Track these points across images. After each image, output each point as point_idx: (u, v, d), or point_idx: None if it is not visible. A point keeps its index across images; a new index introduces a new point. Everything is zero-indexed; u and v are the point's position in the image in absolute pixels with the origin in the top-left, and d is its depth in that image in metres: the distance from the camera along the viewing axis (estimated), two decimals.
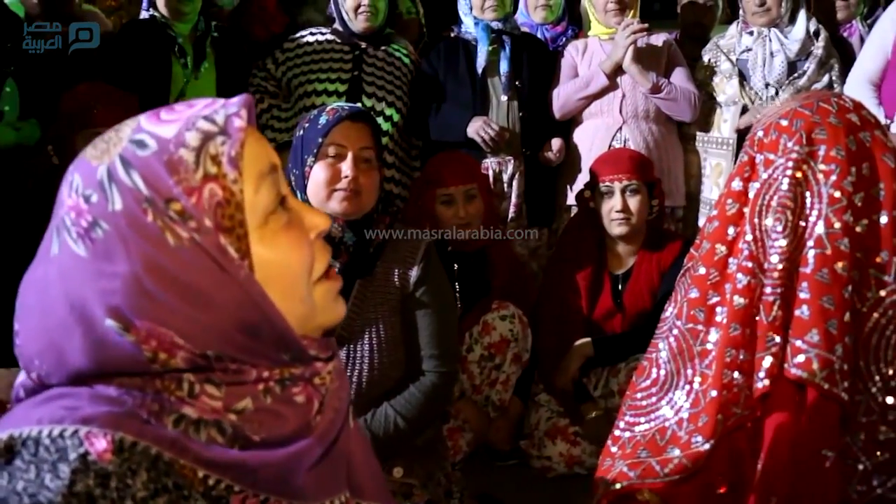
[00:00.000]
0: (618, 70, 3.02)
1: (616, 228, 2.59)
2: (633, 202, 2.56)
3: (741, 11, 3.17)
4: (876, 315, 1.43)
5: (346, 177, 1.78)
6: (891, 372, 1.41)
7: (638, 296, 2.61)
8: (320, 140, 1.79)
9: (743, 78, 3.08)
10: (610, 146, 2.98)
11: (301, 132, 1.85)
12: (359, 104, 2.88)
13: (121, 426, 0.68)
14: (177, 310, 0.70)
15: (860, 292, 1.43)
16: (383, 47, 3.07)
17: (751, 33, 3.10)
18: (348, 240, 1.82)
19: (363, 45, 3.03)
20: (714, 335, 1.47)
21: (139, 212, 0.69)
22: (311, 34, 3.09)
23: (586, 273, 2.66)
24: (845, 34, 3.28)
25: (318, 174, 1.79)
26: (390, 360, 1.87)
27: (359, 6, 2.97)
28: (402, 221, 1.99)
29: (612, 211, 2.58)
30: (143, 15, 3.13)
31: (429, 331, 1.90)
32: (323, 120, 1.81)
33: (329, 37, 3.07)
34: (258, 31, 3.65)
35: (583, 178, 2.86)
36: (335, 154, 1.80)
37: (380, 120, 2.93)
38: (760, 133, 1.50)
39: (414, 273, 1.88)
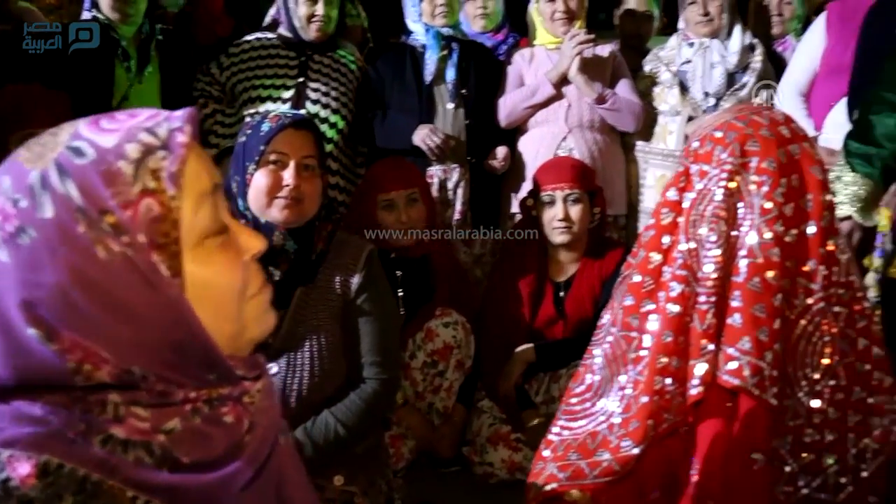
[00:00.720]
0: (564, 80, 3.05)
1: (557, 237, 2.63)
2: (575, 211, 2.60)
3: (682, 23, 3.23)
4: (803, 322, 1.48)
5: (288, 185, 1.78)
6: (817, 376, 1.46)
7: (579, 303, 2.65)
8: (262, 147, 1.77)
9: (683, 88, 3.14)
10: (555, 155, 3.01)
11: (243, 139, 1.84)
12: (303, 111, 2.86)
13: (46, 448, 0.66)
14: (103, 324, 0.68)
15: (789, 300, 1.47)
16: (329, 53, 3.05)
17: (691, 45, 3.16)
18: (290, 248, 1.82)
19: (309, 51, 3.01)
20: (648, 342, 1.49)
21: (70, 222, 0.67)
22: (258, 39, 3.06)
23: (529, 280, 2.69)
24: (780, 49, 3.36)
25: (259, 181, 1.78)
26: (332, 368, 1.86)
27: (312, 16, 2.95)
28: (343, 228, 1.99)
29: (553, 219, 2.61)
30: (85, 15, 3.06)
31: (370, 338, 1.90)
32: (265, 127, 1.80)
33: (275, 42, 3.04)
34: (203, 35, 3.61)
35: (527, 186, 2.89)
36: (277, 161, 1.79)
37: (324, 127, 2.90)
38: (696, 144, 1.54)
39: (356, 280, 1.88)
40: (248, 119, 2.08)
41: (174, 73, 3.03)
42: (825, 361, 1.48)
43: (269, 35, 3.07)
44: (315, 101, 2.96)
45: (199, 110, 3.01)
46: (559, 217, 2.60)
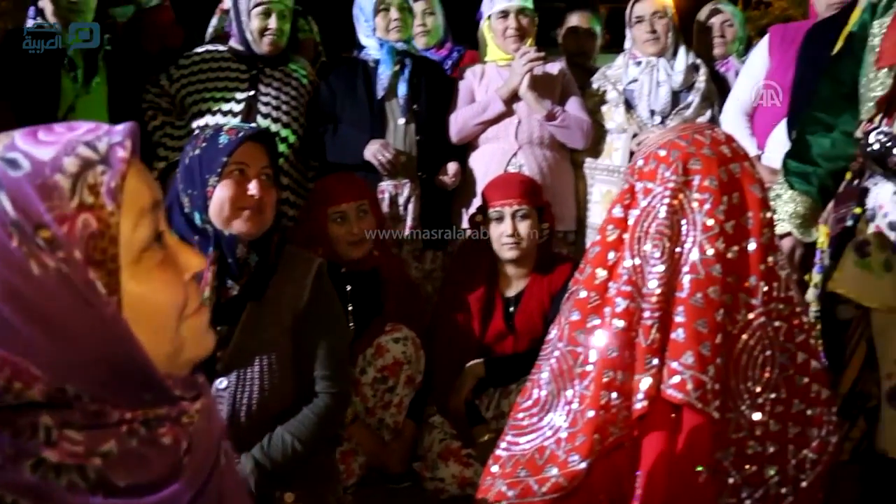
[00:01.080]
0: (514, 96, 3.08)
1: (506, 252, 2.65)
2: (523, 227, 2.63)
3: (629, 42, 3.29)
4: (745, 337, 1.52)
5: (253, 195, 1.79)
6: (758, 389, 1.50)
7: (529, 318, 2.67)
8: (224, 159, 1.77)
9: (630, 107, 3.20)
10: (505, 171, 3.03)
11: (197, 152, 1.82)
12: (253, 125, 2.84)
13: None
14: (36, 341, 0.66)
15: (731, 315, 1.51)
16: (281, 67, 3.04)
17: (638, 63, 3.23)
18: (252, 261, 1.82)
19: (260, 64, 2.99)
20: (594, 357, 1.51)
21: (3, 235, 0.66)
22: (208, 51, 3.03)
23: (479, 296, 2.70)
24: (722, 69, 3.45)
25: (222, 193, 1.78)
26: (281, 383, 1.85)
27: (265, 29, 2.93)
28: (292, 243, 1.99)
29: (502, 235, 2.63)
30: (29, 23, 3.01)
31: (320, 352, 1.91)
32: (224, 140, 1.80)
33: (225, 55, 3.01)
34: (152, 46, 3.57)
35: (477, 202, 2.91)
36: (240, 173, 1.80)
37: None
38: (640, 162, 1.57)
39: (305, 294, 1.88)
40: (196, 132, 2.07)
41: (122, 85, 3.00)
42: (766, 375, 1.52)
43: (220, 47, 3.05)
44: (266, 115, 2.95)
45: (147, 122, 2.97)
46: (508, 233, 2.62)
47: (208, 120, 2.91)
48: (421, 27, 3.49)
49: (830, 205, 2.02)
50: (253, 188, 1.79)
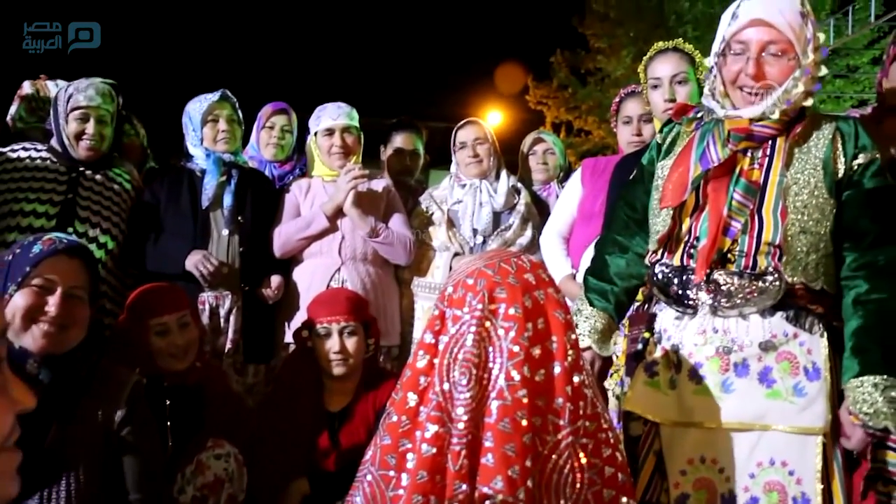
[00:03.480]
0: (339, 212, 3.13)
1: (334, 369, 2.64)
2: (351, 343, 2.64)
3: (455, 166, 3.46)
4: (555, 457, 1.57)
5: (49, 312, 1.72)
6: None
7: (354, 434, 2.64)
8: (28, 269, 1.72)
9: (454, 226, 3.32)
10: (328, 286, 3.05)
11: (10, 257, 1.77)
12: (70, 229, 2.76)
13: None
14: None
15: (541, 437, 1.56)
16: (103, 171, 2.95)
17: (463, 185, 3.39)
18: (44, 378, 1.72)
19: (81, 167, 2.89)
20: (405, 481, 1.52)
21: None
22: (24, 149, 2.91)
23: (304, 411, 2.66)
24: (544, 194, 3.66)
25: (17, 302, 1.71)
26: None
27: (82, 133, 2.85)
28: (109, 357, 1.91)
29: (329, 352, 2.63)
30: None
31: (134, 473, 1.85)
32: (36, 249, 1.75)
33: (44, 154, 2.90)
34: None
35: (301, 316, 2.90)
36: (42, 286, 1.74)
37: (93, 247, 2.78)
38: (450, 289, 1.62)
39: (119, 414, 1.83)
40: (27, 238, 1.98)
41: None
42: (576, 490, 1.57)
43: (39, 146, 2.94)
44: (84, 220, 2.84)
45: None
46: (335, 349, 2.62)
47: (21, 222, 2.76)
48: (276, 139, 3.55)
49: (626, 319, 2.15)
50: (51, 304, 1.72)
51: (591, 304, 2.12)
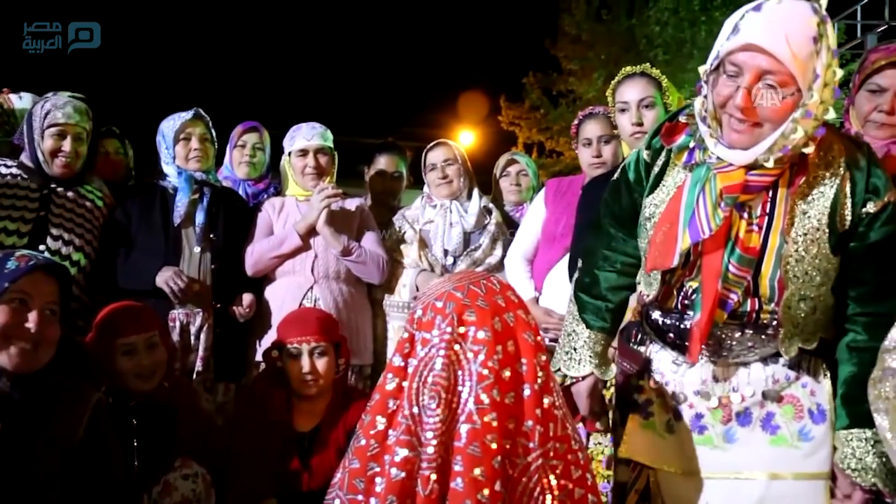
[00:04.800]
0: (312, 231, 3.13)
1: (305, 390, 2.63)
2: (321, 364, 2.63)
3: (427, 187, 3.48)
4: (524, 480, 1.57)
5: (29, 328, 1.72)
6: None
7: (324, 455, 2.63)
8: (6, 285, 1.71)
9: (425, 245, 3.33)
10: (300, 305, 3.05)
11: None
12: (42, 247, 2.74)
13: None
14: None
15: (511, 459, 1.56)
16: (75, 188, 2.93)
17: (434, 206, 3.41)
18: (16, 396, 1.73)
19: (53, 184, 2.87)
20: None
21: None
22: None
23: (273, 431, 2.64)
24: (517, 215, 3.69)
25: None
26: None
27: (58, 151, 2.83)
28: (75, 374, 1.90)
29: (300, 372, 2.62)
30: None
31: (94, 492, 1.84)
32: (12, 265, 1.74)
33: (14, 171, 2.87)
34: None
35: (273, 335, 2.89)
36: (20, 303, 1.73)
37: (65, 264, 2.75)
38: (419, 312, 1.63)
39: (80, 430, 1.82)
40: None
41: None
42: None
43: (9, 162, 2.91)
44: (56, 237, 2.82)
45: None
46: (305, 370, 2.61)
47: None
48: (248, 157, 3.57)
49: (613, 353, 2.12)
50: (31, 321, 1.72)
51: (588, 326, 2.04)
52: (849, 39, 10.02)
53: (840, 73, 1.59)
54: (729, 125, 1.64)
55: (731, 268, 1.70)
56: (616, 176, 2.02)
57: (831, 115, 1.61)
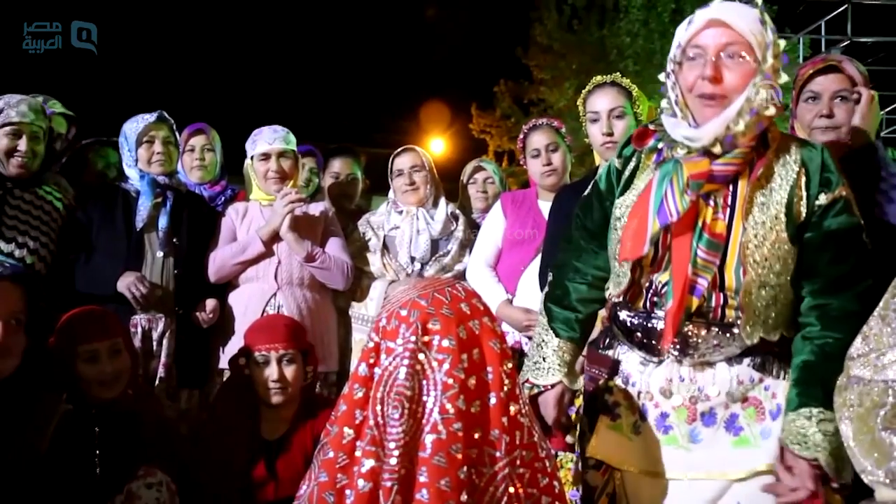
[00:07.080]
0: (275, 237, 3.10)
1: (274, 397, 2.60)
2: (290, 371, 2.59)
3: (393, 193, 3.46)
4: (491, 489, 1.56)
5: None
6: None
7: (291, 463, 2.60)
8: None
9: (389, 252, 3.32)
10: (264, 311, 3.02)
11: None
12: (13, 262, 2.68)
13: None
14: None
15: (478, 469, 1.55)
16: (33, 189, 2.88)
17: (400, 212, 3.39)
18: None
19: (9, 184, 2.81)
20: None
21: None
22: None
23: (240, 439, 2.60)
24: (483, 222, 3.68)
25: None
26: None
27: (14, 151, 2.78)
28: (35, 383, 1.85)
29: (268, 380, 2.58)
30: None
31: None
32: None
33: None
34: None
35: (236, 341, 2.85)
36: None
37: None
38: (384, 320, 1.61)
39: (46, 441, 1.84)
40: None
41: None
42: None
43: None
44: (10, 240, 2.77)
45: None
46: (274, 378, 2.58)
47: None
48: (198, 161, 3.52)
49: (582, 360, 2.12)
50: None
51: (557, 335, 2.04)
52: (813, 54, 10.20)
53: (783, 43, 1.76)
54: (700, 106, 1.74)
55: (699, 252, 1.76)
56: (588, 191, 2.07)
57: (784, 78, 1.76)
